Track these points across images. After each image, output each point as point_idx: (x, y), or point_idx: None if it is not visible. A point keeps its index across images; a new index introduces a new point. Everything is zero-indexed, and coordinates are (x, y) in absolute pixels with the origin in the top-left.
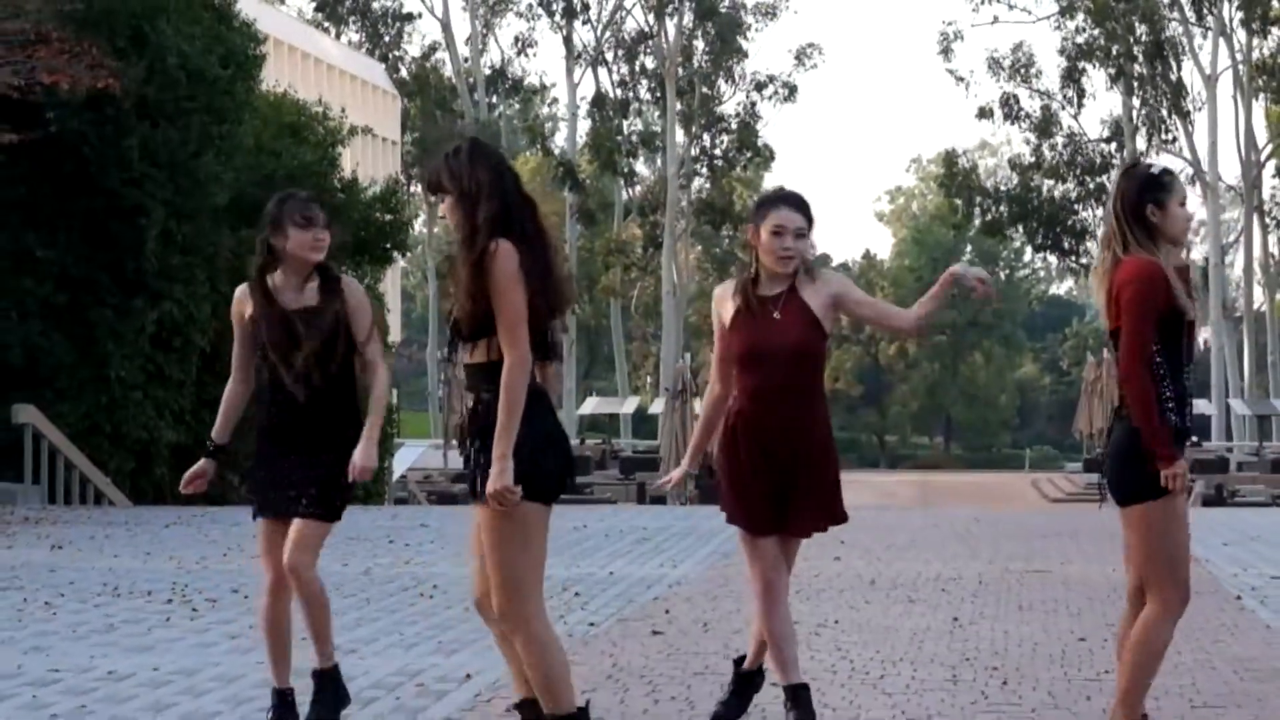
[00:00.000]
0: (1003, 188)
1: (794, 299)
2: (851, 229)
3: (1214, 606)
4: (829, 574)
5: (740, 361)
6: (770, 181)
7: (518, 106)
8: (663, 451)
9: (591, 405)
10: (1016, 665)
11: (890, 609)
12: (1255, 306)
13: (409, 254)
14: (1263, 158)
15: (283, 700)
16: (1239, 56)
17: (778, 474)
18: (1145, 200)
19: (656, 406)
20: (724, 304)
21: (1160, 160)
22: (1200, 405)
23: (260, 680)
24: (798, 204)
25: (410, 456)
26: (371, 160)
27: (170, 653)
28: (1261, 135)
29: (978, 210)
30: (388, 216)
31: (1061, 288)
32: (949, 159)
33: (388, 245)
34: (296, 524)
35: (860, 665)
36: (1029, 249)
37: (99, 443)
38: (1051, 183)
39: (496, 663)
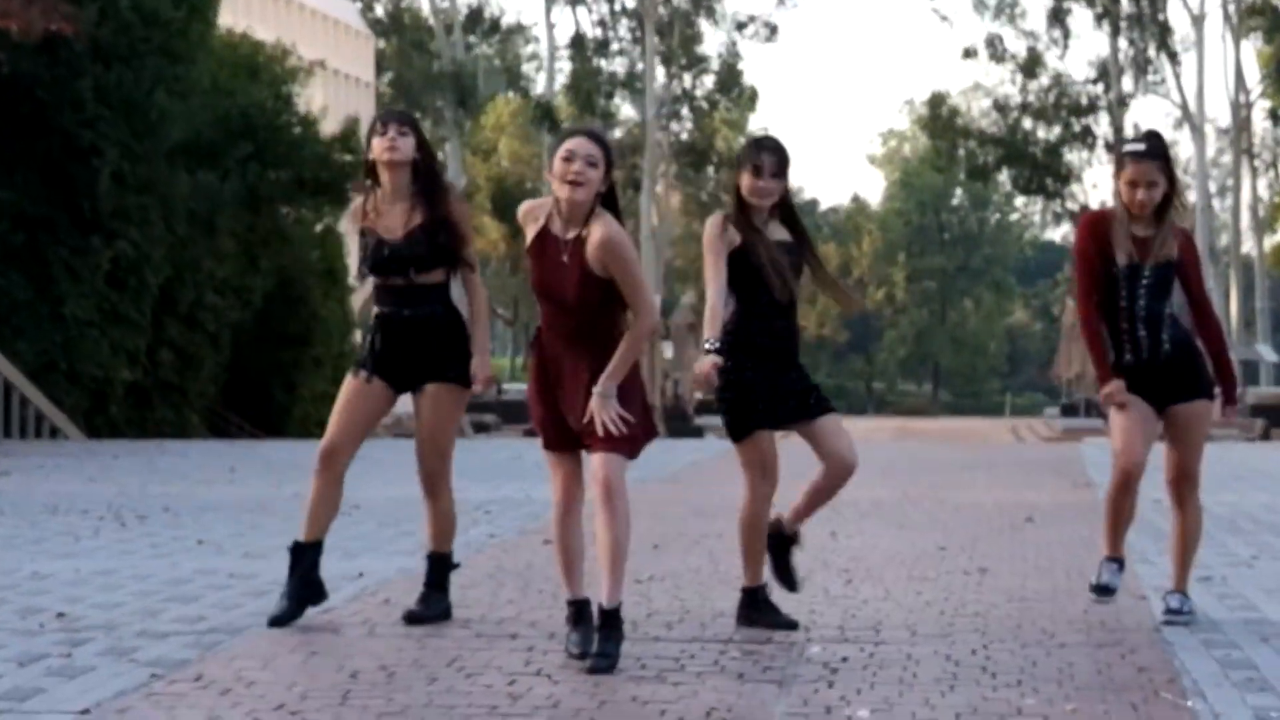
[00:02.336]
0: (989, 130)
1: (580, 245)
2: (840, 172)
3: (1087, 525)
4: (733, 497)
5: (535, 291)
6: (755, 123)
7: (496, 47)
8: None
9: None
10: (868, 569)
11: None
12: (1244, 250)
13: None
14: (1252, 99)
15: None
16: None
17: (568, 396)
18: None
19: None
20: (528, 224)
21: (1147, 101)
22: None
23: (170, 578)
24: (592, 136)
25: None
26: (344, 101)
27: (93, 558)
28: (1251, 76)
29: (963, 154)
30: (347, 156)
31: (1057, 233)
32: (934, 101)
33: (348, 185)
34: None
35: (723, 569)
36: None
37: (55, 380)
38: (1037, 124)
39: (391, 565)
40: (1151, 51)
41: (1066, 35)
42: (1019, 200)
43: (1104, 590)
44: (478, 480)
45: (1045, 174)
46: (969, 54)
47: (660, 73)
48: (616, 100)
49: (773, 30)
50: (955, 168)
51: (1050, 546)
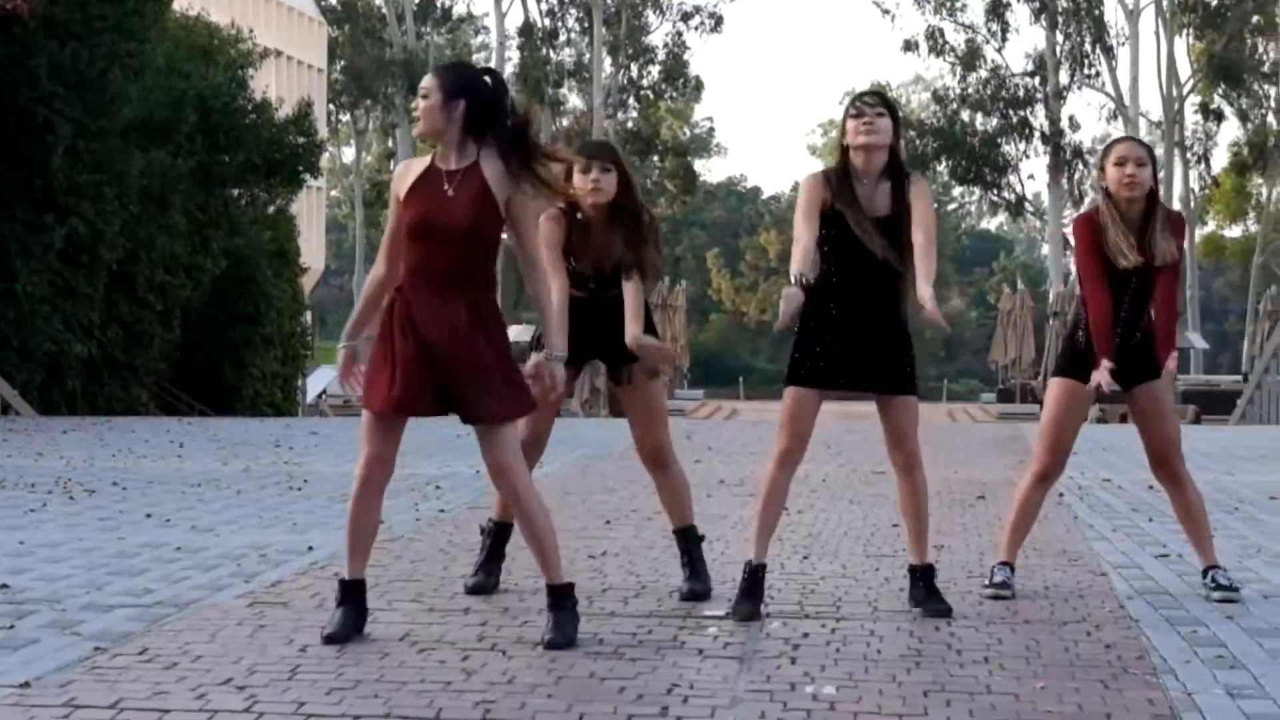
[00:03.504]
0: (929, 121)
1: (472, 173)
2: (782, 161)
3: (1079, 508)
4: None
5: (409, 233)
6: (700, 112)
7: (446, 36)
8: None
9: (515, 333)
10: (824, 545)
11: (728, 502)
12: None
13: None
14: (1184, 92)
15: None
16: None
17: (427, 357)
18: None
19: None
20: (403, 179)
21: (1083, 94)
22: None
23: (116, 551)
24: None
25: (327, 378)
26: (296, 87)
27: (39, 531)
28: (1184, 70)
29: (903, 144)
30: (300, 140)
31: (992, 223)
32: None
33: (300, 168)
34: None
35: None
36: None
37: (7, 355)
38: (975, 116)
39: (339, 539)
40: (1087, 45)
41: (1005, 29)
42: (956, 190)
43: (1002, 587)
44: (427, 457)
45: (983, 165)
46: (910, 46)
47: (607, 62)
48: (565, 89)
49: (718, 21)
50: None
51: (1001, 526)
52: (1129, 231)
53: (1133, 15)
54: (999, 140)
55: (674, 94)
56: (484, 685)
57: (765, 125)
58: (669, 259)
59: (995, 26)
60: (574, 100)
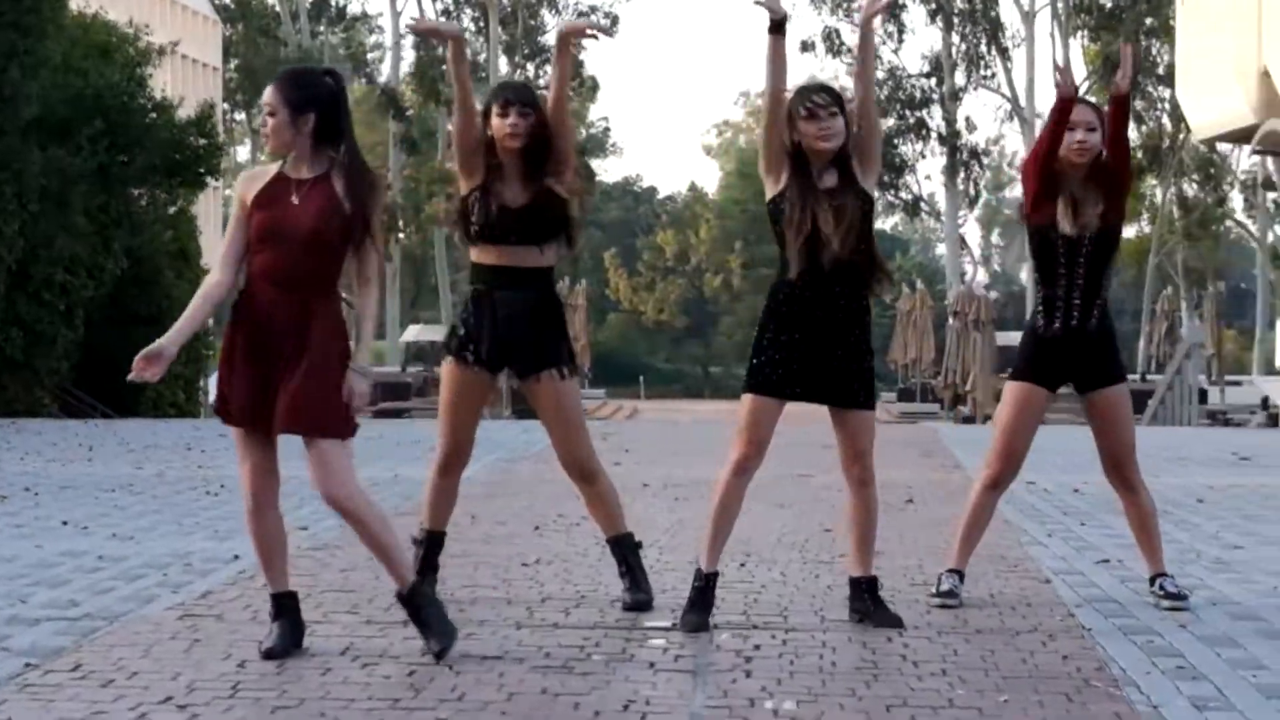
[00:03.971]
0: None
1: (323, 182)
2: (678, 161)
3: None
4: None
5: (256, 239)
6: (595, 113)
7: (341, 34)
8: None
9: (413, 333)
10: (760, 551)
11: (655, 506)
12: None
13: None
14: (1080, 94)
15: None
16: None
17: (268, 365)
18: None
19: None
20: (250, 186)
21: (979, 95)
22: (1015, 337)
23: (36, 560)
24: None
25: None
26: (191, 86)
27: None
28: (1079, 72)
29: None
30: (202, 141)
31: (887, 223)
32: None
33: (201, 170)
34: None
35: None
36: None
37: None
38: None
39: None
40: (983, 47)
41: (901, 30)
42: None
43: (949, 596)
44: None
45: (880, 165)
46: (807, 47)
47: (503, 62)
48: None
49: (614, 21)
50: None
51: (937, 528)
52: (1074, 190)
53: (1028, 17)
54: (896, 141)
55: (570, 94)
56: (434, 702)
57: (660, 125)
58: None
59: (892, 28)
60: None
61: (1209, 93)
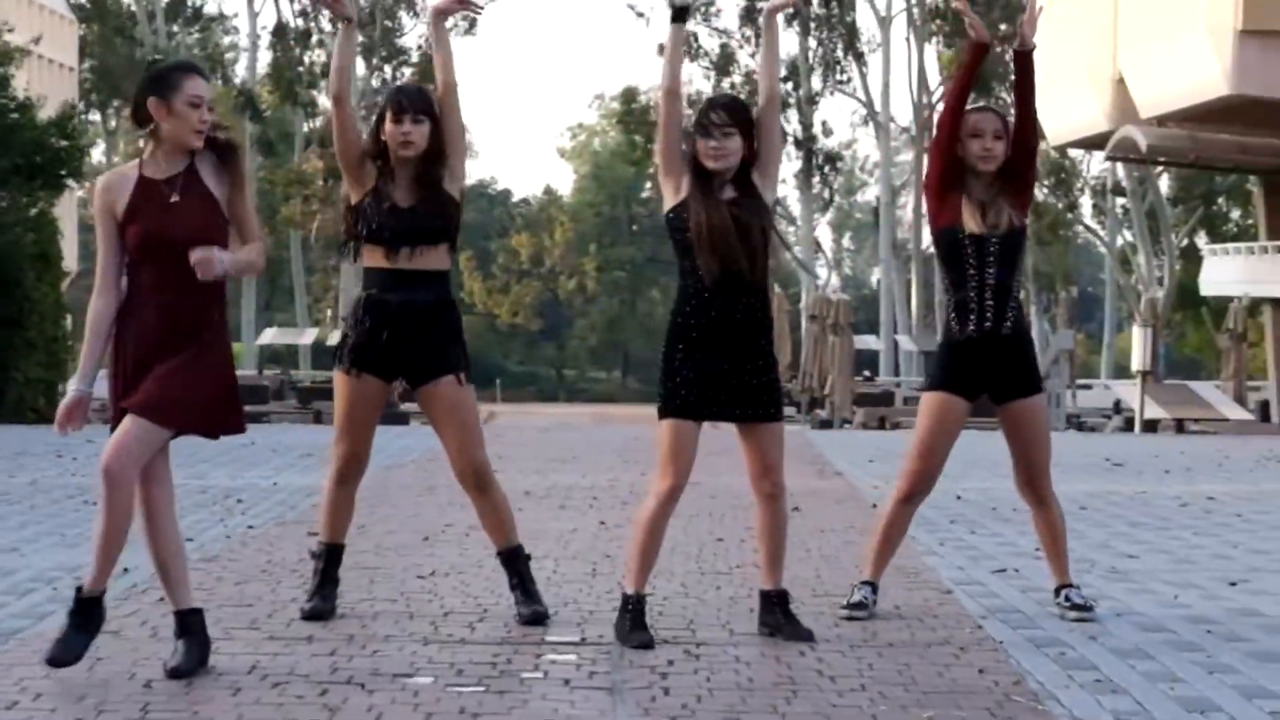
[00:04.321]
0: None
1: (192, 178)
2: (532, 164)
3: (852, 513)
4: None
5: (137, 251)
6: None
7: (198, 35)
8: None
9: (270, 336)
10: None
11: (542, 515)
12: (923, 246)
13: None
14: (934, 100)
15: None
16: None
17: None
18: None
19: (335, 338)
20: (115, 195)
21: (835, 99)
22: (869, 341)
23: None
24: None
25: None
26: (47, 85)
27: None
28: (933, 78)
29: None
30: (63, 142)
31: None
32: (628, 96)
33: (63, 172)
34: None
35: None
36: None
37: None
38: None
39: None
40: (839, 52)
41: (759, 34)
42: None
43: (859, 608)
44: (219, 466)
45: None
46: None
47: (361, 64)
48: (318, 90)
49: (472, 24)
50: (649, 161)
51: (826, 537)
52: (979, 194)
53: (884, 22)
54: None
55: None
56: None
57: (516, 128)
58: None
59: (749, 32)
60: (325, 101)
61: (1064, 100)
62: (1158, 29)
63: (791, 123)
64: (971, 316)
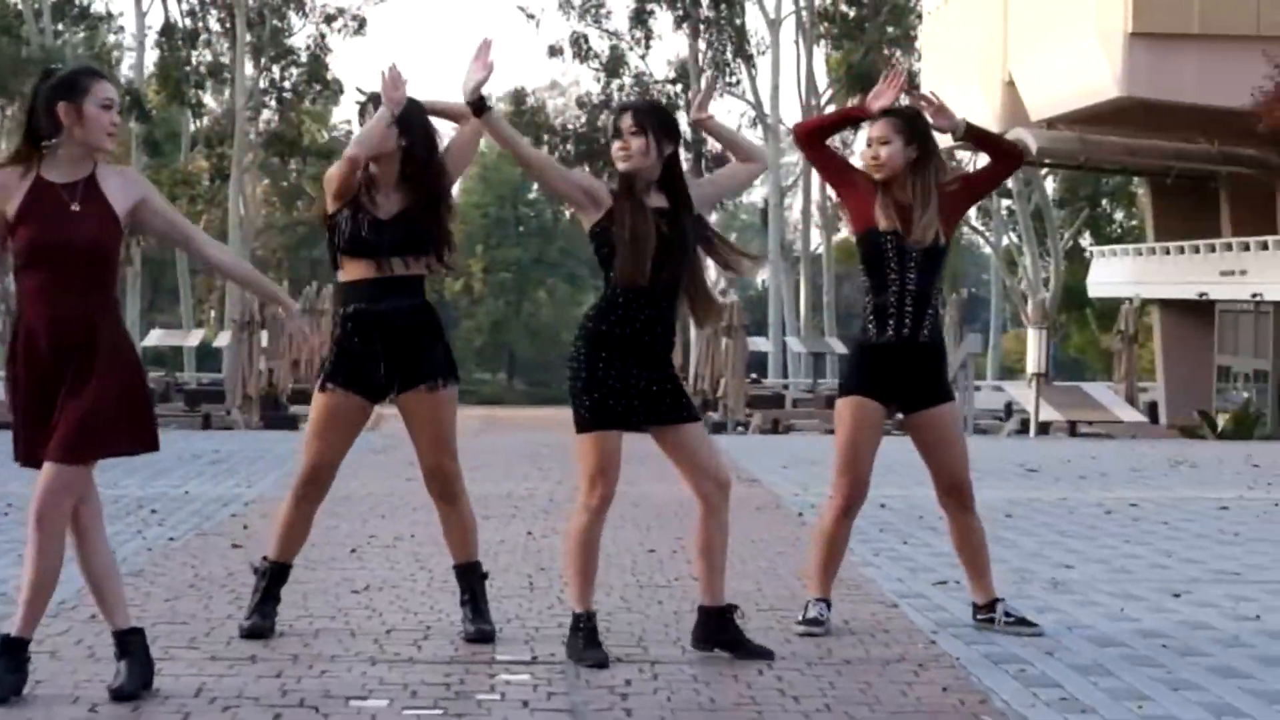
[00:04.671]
0: (570, 126)
1: (92, 186)
2: None
3: (778, 522)
4: (402, 492)
5: (25, 257)
6: (339, 115)
7: (84, 34)
8: (228, 384)
9: (156, 338)
10: (602, 577)
11: (519, 524)
12: (812, 248)
13: None
14: (823, 102)
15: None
16: (802, 2)
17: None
18: None
19: (221, 339)
20: (9, 194)
21: (725, 102)
22: (758, 342)
23: None
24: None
25: None
26: None
27: None
28: (822, 80)
29: (545, 149)
30: None
31: None
32: (517, 97)
33: None
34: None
35: (439, 575)
36: None
37: None
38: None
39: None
40: (729, 54)
41: (649, 36)
42: None
43: (815, 623)
44: (131, 474)
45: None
46: (554, 52)
47: (249, 64)
48: (205, 91)
49: (361, 24)
50: None
51: (761, 547)
52: (897, 194)
53: (774, 25)
54: None
55: (315, 96)
56: None
57: None
58: (306, 262)
59: (639, 33)
60: (213, 101)
61: (954, 102)
62: (1048, 32)
63: (682, 124)
64: (890, 321)
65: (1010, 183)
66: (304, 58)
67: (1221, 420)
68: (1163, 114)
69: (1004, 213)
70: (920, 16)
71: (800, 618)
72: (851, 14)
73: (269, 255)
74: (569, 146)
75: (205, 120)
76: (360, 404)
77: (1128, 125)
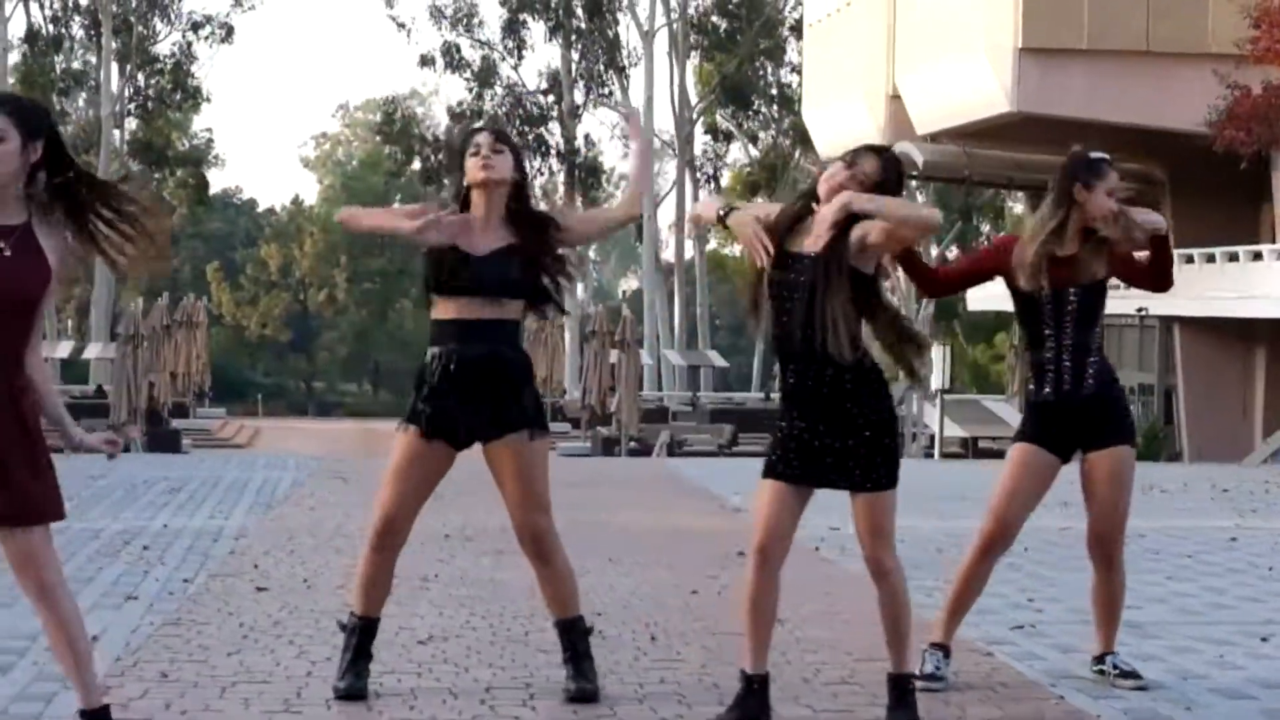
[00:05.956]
0: (441, 136)
1: (26, 234)
2: (278, 174)
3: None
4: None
5: None
6: (200, 124)
7: None
8: (113, 399)
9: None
10: (649, 619)
11: (480, 561)
12: (686, 257)
13: None
14: (695, 115)
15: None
16: (674, 14)
17: None
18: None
19: (91, 351)
20: None
21: (598, 113)
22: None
23: None
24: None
25: None
26: None
27: None
28: (694, 92)
29: (417, 160)
30: None
31: None
32: (388, 107)
33: None
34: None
35: (495, 623)
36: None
37: None
38: None
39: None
40: (601, 65)
41: (521, 46)
42: None
43: (933, 678)
44: (91, 505)
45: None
46: (426, 62)
47: (115, 71)
48: (70, 98)
49: (229, 32)
50: (408, 171)
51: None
52: (1056, 249)
53: (647, 36)
54: None
55: (179, 104)
56: None
57: (260, 136)
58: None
59: (511, 44)
60: (77, 109)
61: (838, 115)
62: (936, 46)
63: (555, 135)
64: (1049, 378)
65: None
66: (169, 65)
67: None
68: (1050, 128)
69: None
70: (793, 29)
71: (917, 670)
72: (724, 26)
73: None
74: (440, 157)
75: (70, 128)
76: (444, 451)
77: (1012, 140)
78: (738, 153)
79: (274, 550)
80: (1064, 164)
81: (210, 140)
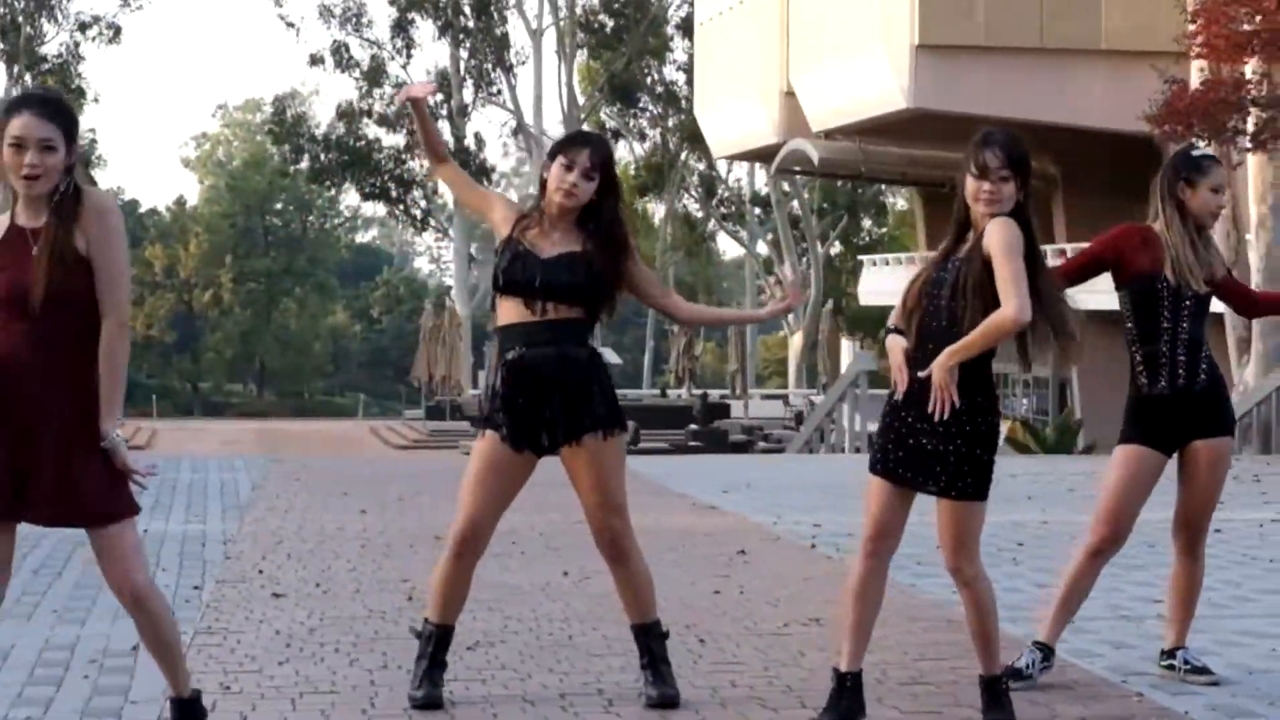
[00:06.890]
0: (332, 136)
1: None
2: (159, 173)
3: (789, 553)
4: (394, 529)
5: None
6: (84, 124)
7: None
8: None
9: None
10: (688, 621)
11: (487, 564)
12: None
13: None
14: (583, 114)
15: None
16: (562, 12)
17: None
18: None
19: None
20: None
21: (487, 111)
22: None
23: None
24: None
25: None
26: None
27: None
28: (581, 91)
29: (306, 158)
30: None
31: (367, 235)
32: (279, 106)
33: None
34: None
35: (539, 627)
36: (346, 197)
37: None
38: (382, 132)
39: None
40: (490, 64)
41: (410, 45)
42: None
43: (1017, 675)
44: None
45: (389, 181)
46: (316, 61)
47: (2, 71)
48: None
49: (116, 32)
50: (296, 171)
51: (798, 587)
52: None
53: (535, 34)
54: (404, 156)
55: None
56: None
57: (140, 136)
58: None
59: (400, 42)
60: None
61: (731, 112)
62: (832, 43)
63: (443, 134)
64: (1163, 372)
65: (770, 191)
66: (56, 65)
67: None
68: (944, 125)
69: (756, 221)
70: (679, 27)
71: (1014, 665)
72: (610, 24)
73: None
74: (330, 156)
75: None
76: (524, 458)
77: (906, 136)
78: (623, 151)
79: (270, 555)
80: (1167, 162)
81: (94, 141)
